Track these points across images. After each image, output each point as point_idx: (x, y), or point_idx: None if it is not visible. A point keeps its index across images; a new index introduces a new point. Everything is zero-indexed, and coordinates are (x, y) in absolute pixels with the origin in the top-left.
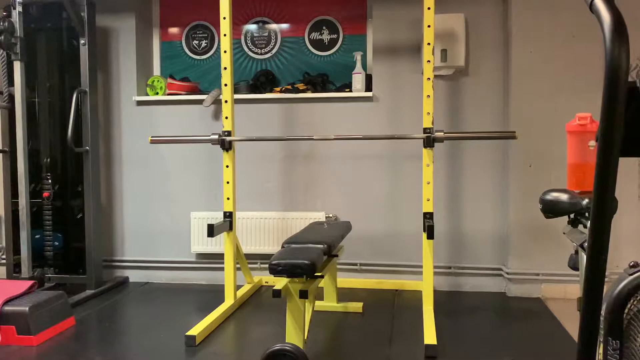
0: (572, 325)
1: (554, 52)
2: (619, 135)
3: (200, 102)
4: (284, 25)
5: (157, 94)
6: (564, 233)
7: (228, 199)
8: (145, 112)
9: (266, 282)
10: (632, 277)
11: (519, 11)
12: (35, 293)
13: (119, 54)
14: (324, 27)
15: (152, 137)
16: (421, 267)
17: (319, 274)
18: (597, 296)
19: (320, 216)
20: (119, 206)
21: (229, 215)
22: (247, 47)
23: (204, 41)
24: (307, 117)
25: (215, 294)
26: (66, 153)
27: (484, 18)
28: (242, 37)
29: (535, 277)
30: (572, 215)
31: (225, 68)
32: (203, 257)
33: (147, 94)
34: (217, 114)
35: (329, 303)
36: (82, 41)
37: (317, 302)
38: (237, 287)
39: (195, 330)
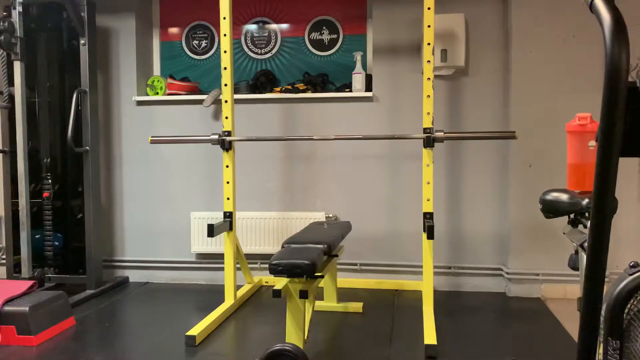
0: (572, 325)
1: (554, 52)
2: (619, 136)
3: (200, 102)
4: (284, 25)
5: (157, 94)
6: (564, 233)
7: (228, 199)
8: (145, 112)
9: (266, 282)
10: (632, 277)
11: (519, 11)
12: (35, 293)
13: (119, 54)
14: (324, 27)
15: (152, 137)
16: (421, 267)
17: (319, 274)
18: (597, 296)
19: (320, 216)
20: (119, 206)
21: (229, 215)
22: (247, 47)
23: (204, 41)
24: (307, 117)
25: (215, 294)
26: (66, 153)
27: (484, 18)
28: (242, 37)
29: (535, 277)
30: (572, 215)
31: (225, 68)
32: (203, 257)
33: (147, 94)
34: (217, 114)
35: (329, 303)
36: (82, 41)
37: (317, 302)
38: (237, 287)
39: (195, 330)
